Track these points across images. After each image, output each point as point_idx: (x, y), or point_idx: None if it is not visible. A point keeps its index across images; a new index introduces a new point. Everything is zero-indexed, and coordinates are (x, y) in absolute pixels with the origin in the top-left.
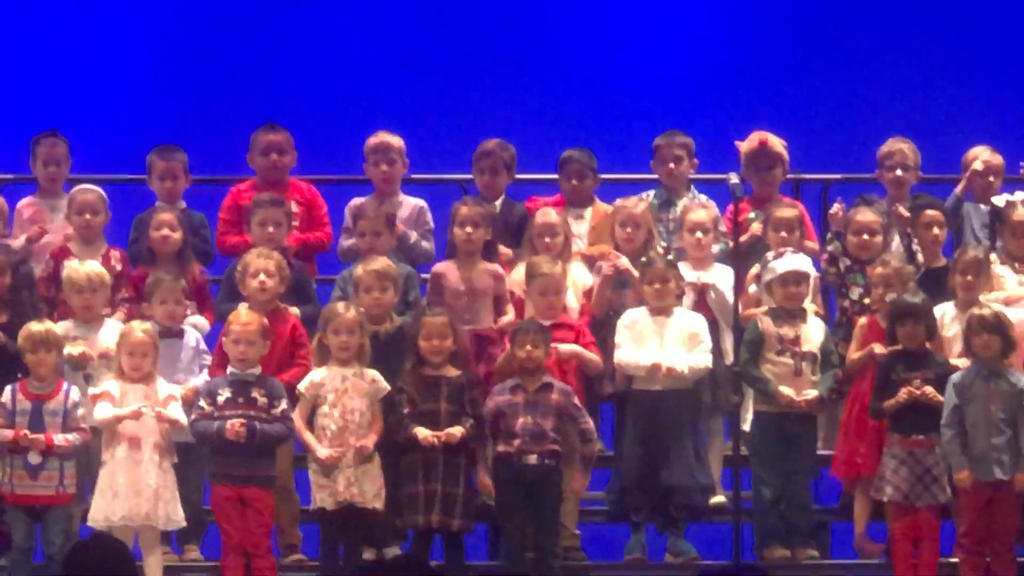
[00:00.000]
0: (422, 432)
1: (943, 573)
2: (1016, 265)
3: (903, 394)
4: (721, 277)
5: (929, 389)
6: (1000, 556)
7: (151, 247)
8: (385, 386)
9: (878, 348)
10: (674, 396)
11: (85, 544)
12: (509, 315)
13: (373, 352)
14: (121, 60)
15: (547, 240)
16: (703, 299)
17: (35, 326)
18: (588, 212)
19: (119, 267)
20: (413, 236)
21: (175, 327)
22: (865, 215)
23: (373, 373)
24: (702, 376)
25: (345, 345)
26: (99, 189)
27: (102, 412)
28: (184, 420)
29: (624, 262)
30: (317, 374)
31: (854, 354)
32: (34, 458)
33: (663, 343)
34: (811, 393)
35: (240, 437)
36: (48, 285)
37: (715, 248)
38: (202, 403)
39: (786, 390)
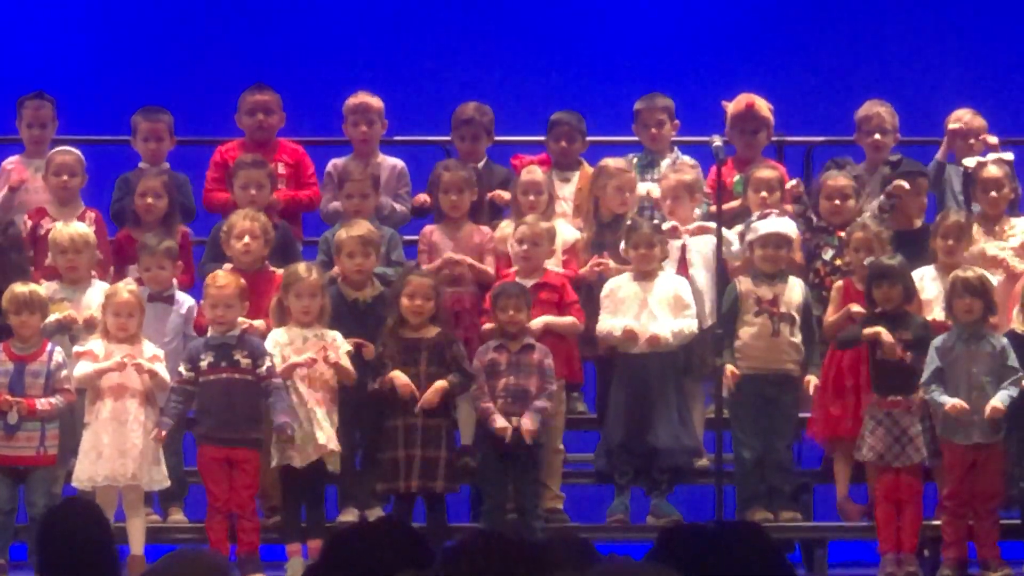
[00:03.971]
0: (400, 378)
1: (926, 535)
2: (995, 228)
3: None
4: (700, 237)
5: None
6: (983, 519)
7: (135, 211)
8: (347, 346)
9: (855, 307)
10: (659, 359)
11: (60, 509)
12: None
13: (351, 319)
14: (105, 19)
15: (531, 198)
16: (684, 259)
17: (19, 287)
18: (575, 176)
19: (94, 227)
20: (388, 206)
21: (165, 292)
22: (837, 180)
23: (334, 334)
24: (688, 340)
25: (306, 309)
26: (76, 151)
27: (82, 369)
28: (167, 377)
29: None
30: (279, 334)
31: (831, 317)
32: (12, 418)
33: (647, 308)
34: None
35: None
36: (27, 246)
37: (697, 211)
38: (182, 369)
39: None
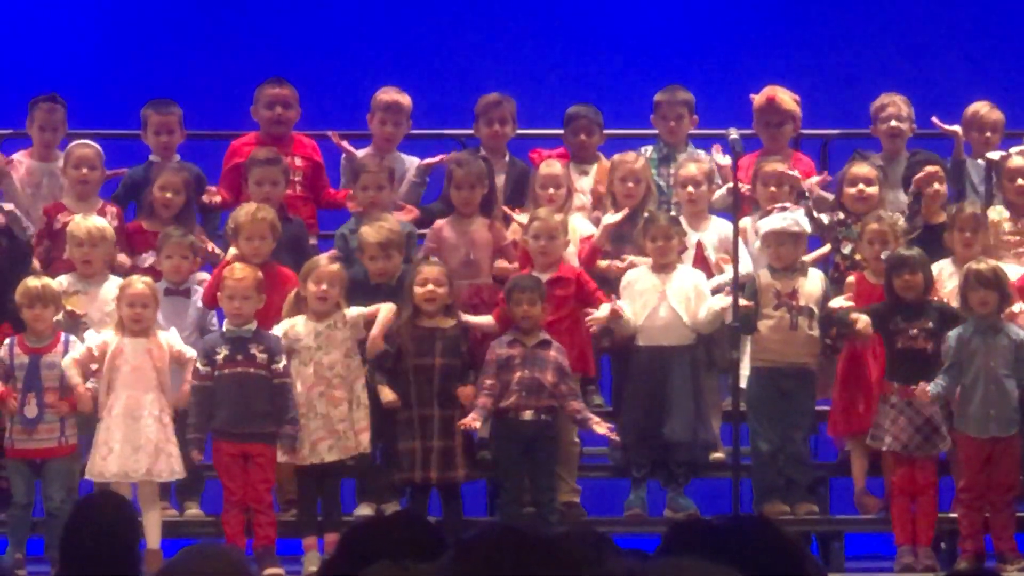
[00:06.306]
0: (387, 395)
1: (943, 528)
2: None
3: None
4: (717, 232)
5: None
6: (999, 511)
7: (151, 203)
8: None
9: (861, 324)
10: (676, 352)
11: (88, 501)
12: (509, 265)
13: (375, 300)
14: (115, 13)
15: (550, 191)
16: (700, 255)
17: (32, 281)
18: (593, 168)
19: (115, 223)
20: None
21: (182, 285)
22: (860, 167)
23: (349, 313)
24: (717, 323)
25: (323, 295)
26: (96, 145)
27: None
28: (186, 351)
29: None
30: (292, 322)
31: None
32: (31, 411)
33: (665, 300)
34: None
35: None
36: (43, 241)
37: (719, 192)
38: (199, 364)
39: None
